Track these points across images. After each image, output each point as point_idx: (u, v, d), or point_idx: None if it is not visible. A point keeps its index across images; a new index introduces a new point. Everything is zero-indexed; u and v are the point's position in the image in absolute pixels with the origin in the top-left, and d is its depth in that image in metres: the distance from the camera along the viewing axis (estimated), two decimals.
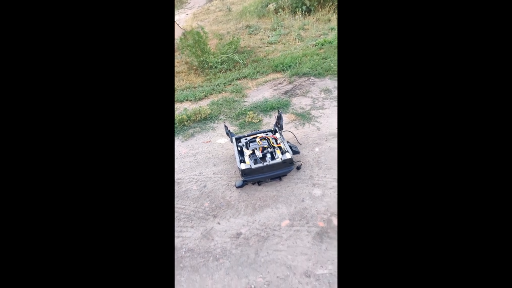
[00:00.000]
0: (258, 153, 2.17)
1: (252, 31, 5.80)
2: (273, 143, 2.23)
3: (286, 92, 3.28)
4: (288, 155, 2.03)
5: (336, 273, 1.47)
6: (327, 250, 1.57)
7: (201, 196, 2.04)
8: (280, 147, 2.18)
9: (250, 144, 2.28)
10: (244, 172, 1.98)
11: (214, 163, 2.33)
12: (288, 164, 2.03)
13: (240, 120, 2.86)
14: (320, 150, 2.31)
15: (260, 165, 2.00)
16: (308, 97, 3.10)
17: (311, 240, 1.64)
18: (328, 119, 2.67)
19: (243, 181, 2.03)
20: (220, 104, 3.22)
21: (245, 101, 3.22)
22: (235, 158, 2.26)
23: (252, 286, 1.46)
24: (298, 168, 2.15)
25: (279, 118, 2.36)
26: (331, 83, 3.28)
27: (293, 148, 2.16)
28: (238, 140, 2.33)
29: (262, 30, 5.79)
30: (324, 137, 2.45)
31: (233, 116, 2.95)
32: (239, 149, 2.23)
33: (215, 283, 1.50)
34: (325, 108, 2.85)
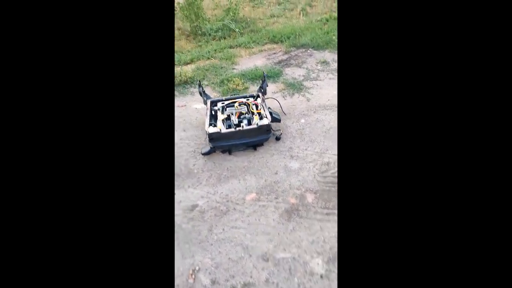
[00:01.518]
0: (234, 119, 1.87)
1: (256, 4, 5.40)
2: (252, 109, 1.92)
3: (280, 61, 2.94)
4: (265, 121, 1.73)
5: (299, 258, 1.19)
6: (294, 231, 1.29)
7: None
8: (259, 113, 1.88)
9: (227, 108, 1.98)
10: (212, 137, 1.69)
11: (184, 128, 2.04)
12: (264, 131, 1.74)
13: (224, 87, 2.55)
14: (306, 121, 2.00)
15: (231, 130, 1.71)
16: (303, 68, 2.77)
17: (277, 218, 1.36)
18: (320, 91, 2.35)
19: (211, 147, 1.74)
20: (206, 69, 2.90)
21: (234, 68, 2.90)
22: None
23: (197, 268, 1.19)
24: (278, 138, 1.85)
25: (263, 82, 2.05)
26: (330, 56, 2.93)
27: (273, 115, 1.86)
28: (214, 103, 2.02)
29: (266, 3, 5.38)
30: (313, 108, 2.13)
31: (217, 82, 2.64)
32: (213, 113, 1.94)
33: None
34: (320, 80, 2.52)
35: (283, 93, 2.38)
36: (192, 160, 1.75)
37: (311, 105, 2.17)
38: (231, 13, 4.18)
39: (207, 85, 2.63)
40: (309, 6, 5.01)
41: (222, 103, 2.02)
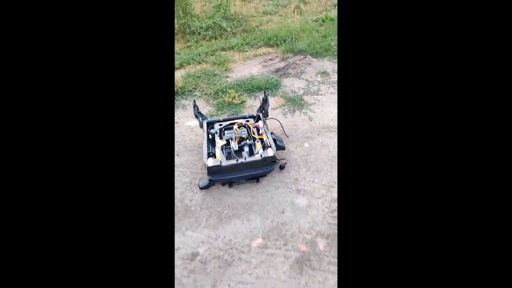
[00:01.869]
0: (234, 145, 1.71)
1: None
2: (253, 133, 1.77)
3: (278, 70, 2.77)
4: (270, 152, 1.59)
5: None
6: (307, 287, 1.19)
7: None
8: (261, 139, 1.73)
9: (225, 132, 1.81)
10: (211, 170, 1.53)
11: (177, 152, 1.86)
12: (269, 163, 1.59)
13: (219, 99, 2.36)
14: (310, 146, 1.87)
15: (233, 162, 1.55)
16: (302, 79, 2.61)
17: (287, 270, 1.24)
18: (323, 108, 2.22)
19: (210, 180, 1.58)
20: (198, 77, 2.68)
21: (228, 76, 2.70)
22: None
23: None
24: (282, 167, 1.71)
25: (264, 102, 1.88)
26: (330, 65, 2.79)
27: (277, 143, 1.72)
28: (210, 125, 1.85)
29: None
30: (316, 130, 2.01)
31: (211, 94, 2.44)
32: (210, 137, 1.76)
33: None
34: (321, 94, 2.39)
35: (283, 109, 2.23)
36: (189, 193, 1.59)
37: (314, 126, 2.04)
38: (221, 10, 3.91)
39: (200, 96, 2.43)
40: (303, 3, 4.80)
41: (220, 125, 1.84)
